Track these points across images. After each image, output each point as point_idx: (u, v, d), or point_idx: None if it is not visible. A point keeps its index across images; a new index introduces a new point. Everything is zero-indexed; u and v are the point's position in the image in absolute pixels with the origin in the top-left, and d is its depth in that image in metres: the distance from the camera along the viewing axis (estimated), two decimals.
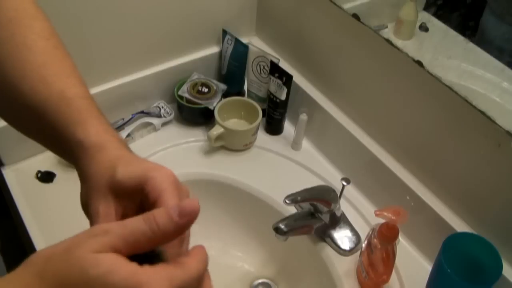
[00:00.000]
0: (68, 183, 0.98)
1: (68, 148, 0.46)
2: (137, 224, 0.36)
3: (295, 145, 1.09)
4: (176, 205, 0.36)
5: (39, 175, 0.98)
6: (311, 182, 0.99)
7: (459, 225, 0.84)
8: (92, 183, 0.43)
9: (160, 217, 0.36)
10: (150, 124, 1.09)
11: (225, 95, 1.12)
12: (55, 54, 0.51)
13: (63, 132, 0.47)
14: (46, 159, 1.01)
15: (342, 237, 0.93)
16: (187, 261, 0.38)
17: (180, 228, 0.36)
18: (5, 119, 0.53)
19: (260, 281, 1.00)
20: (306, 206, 0.91)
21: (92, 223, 0.42)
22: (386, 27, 0.91)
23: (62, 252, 0.35)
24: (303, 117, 1.04)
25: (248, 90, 1.15)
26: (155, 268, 0.36)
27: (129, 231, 0.35)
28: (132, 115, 1.08)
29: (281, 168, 1.05)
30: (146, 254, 0.37)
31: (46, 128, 0.48)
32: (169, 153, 1.06)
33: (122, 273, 0.33)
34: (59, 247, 0.35)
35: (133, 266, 0.35)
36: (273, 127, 1.12)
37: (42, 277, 0.34)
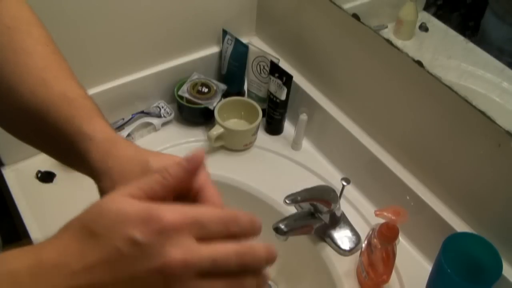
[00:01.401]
0: (68, 183, 0.98)
1: (71, 145, 0.47)
2: (151, 175, 0.40)
3: (295, 145, 1.09)
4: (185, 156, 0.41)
5: (39, 175, 0.98)
6: (311, 182, 0.99)
7: (459, 225, 0.84)
8: (117, 175, 0.45)
9: (170, 167, 0.40)
10: (150, 124, 1.09)
11: (225, 95, 1.12)
12: (54, 59, 0.52)
13: (67, 129, 0.47)
14: (46, 159, 1.00)
15: (342, 237, 0.93)
16: (212, 204, 0.41)
17: (189, 172, 0.40)
18: (1, 125, 0.53)
19: None
20: (306, 206, 0.91)
21: None
22: (386, 27, 0.91)
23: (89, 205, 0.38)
24: (303, 117, 1.04)
25: (248, 90, 1.15)
26: (171, 204, 0.37)
27: (144, 180, 0.39)
28: (132, 115, 1.08)
29: (281, 168, 1.05)
30: None
31: (47, 128, 0.48)
32: (169, 153, 1.06)
33: (135, 205, 0.36)
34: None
35: (147, 203, 0.36)
36: (273, 127, 1.12)
37: (68, 227, 0.38)
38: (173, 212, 0.35)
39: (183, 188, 0.42)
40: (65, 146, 0.48)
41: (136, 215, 0.35)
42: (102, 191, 0.46)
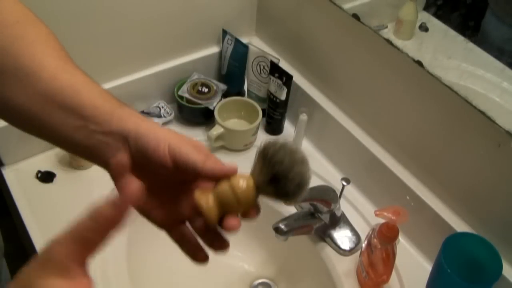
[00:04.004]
0: (68, 183, 0.98)
1: (105, 118, 0.50)
2: (82, 220, 0.38)
3: (295, 145, 1.09)
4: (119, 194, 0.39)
5: (39, 175, 0.98)
6: (311, 182, 0.99)
7: (459, 225, 0.84)
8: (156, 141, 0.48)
9: (102, 208, 0.38)
10: None
11: (225, 95, 1.12)
12: (67, 55, 0.54)
13: (104, 105, 0.50)
14: (46, 159, 1.00)
15: (342, 237, 0.93)
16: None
17: (122, 211, 0.38)
18: (12, 115, 0.53)
19: (260, 281, 1.00)
20: (306, 206, 0.91)
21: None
22: (386, 27, 0.91)
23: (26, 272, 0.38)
24: (303, 117, 1.04)
25: (248, 90, 1.15)
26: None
27: (76, 228, 0.38)
28: None
29: None
30: None
31: (74, 106, 0.50)
32: None
33: None
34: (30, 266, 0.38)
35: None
36: (273, 127, 1.12)
37: None
38: None
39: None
40: (95, 119, 0.49)
41: None
42: (139, 147, 0.49)
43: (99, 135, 0.50)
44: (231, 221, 0.48)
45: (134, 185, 0.40)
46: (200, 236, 0.53)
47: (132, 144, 0.49)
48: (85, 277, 0.38)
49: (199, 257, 0.53)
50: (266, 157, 0.48)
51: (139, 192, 0.40)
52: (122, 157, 0.50)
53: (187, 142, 0.49)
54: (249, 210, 0.50)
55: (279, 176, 0.47)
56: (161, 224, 0.52)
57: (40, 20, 0.55)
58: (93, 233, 0.38)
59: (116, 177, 0.51)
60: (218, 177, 0.49)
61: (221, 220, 0.49)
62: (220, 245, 0.52)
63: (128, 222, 0.39)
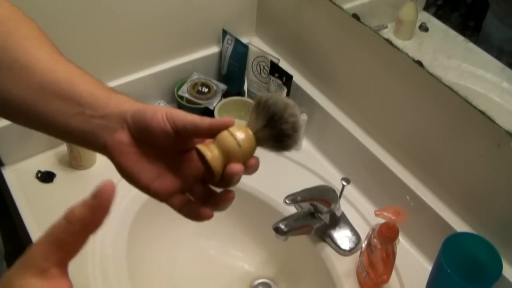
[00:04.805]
0: (68, 183, 0.98)
1: (102, 104, 0.51)
2: (57, 223, 0.37)
3: None
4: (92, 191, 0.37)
5: (39, 175, 0.98)
6: (311, 182, 0.99)
7: (459, 225, 0.84)
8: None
9: (76, 207, 0.37)
10: None
11: (225, 95, 1.12)
12: (58, 49, 0.55)
13: (100, 94, 0.52)
14: (46, 159, 1.00)
15: (342, 237, 0.93)
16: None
17: (96, 209, 0.37)
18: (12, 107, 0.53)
19: (260, 281, 1.00)
20: (306, 206, 0.91)
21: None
22: (386, 27, 0.91)
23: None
24: (303, 117, 1.04)
25: (248, 90, 1.15)
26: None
27: (51, 231, 0.37)
28: None
29: (281, 168, 1.05)
30: None
31: (70, 96, 0.51)
32: None
33: None
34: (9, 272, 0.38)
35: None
36: None
37: None
38: None
39: None
40: (92, 105, 0.51)
41: None
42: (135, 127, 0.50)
43: (96, 119, 0.51)
44: (234, 166, 0.48)
45: (108, 185, 0.37)
46: (202, 203, 0.53)
47: (129, 121, 0.50)
48: (64, 279, 0.37)
49: (204, 213, 0.52)
50: (260, 103, 0.50)
51: (113, 192, 0.37)
52: (120, 135, 0.51)
53: (182, 111, 0.51)
54: (249, 160, 0.51)
55: (275, 117, 0.49)
56: (161, 195, 0.52)
57: (28, 16, 0.56)
58: (67, 234, 0.37)
59: (114, 156, 0.51)
60: (218, 129, 0.50)
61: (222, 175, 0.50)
62: (227, 197, 0.51)
63: (103, 224, 0.38)
